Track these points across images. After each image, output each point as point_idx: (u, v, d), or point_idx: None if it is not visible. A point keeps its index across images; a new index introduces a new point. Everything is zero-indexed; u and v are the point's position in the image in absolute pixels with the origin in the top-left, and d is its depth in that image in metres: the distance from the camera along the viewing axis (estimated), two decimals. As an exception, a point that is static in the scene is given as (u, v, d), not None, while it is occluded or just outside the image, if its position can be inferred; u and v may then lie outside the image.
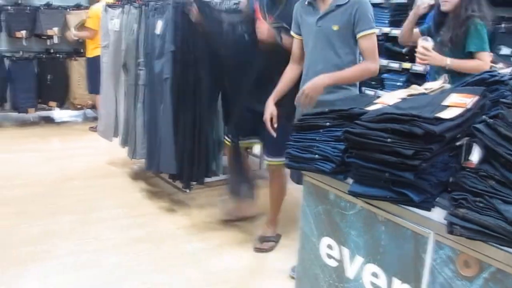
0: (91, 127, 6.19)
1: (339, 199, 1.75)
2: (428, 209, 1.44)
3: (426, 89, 1.98)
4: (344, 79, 2.69)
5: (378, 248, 1.60)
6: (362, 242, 1.67)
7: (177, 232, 3.56)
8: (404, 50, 4.69)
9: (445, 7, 2.86)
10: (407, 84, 4.41)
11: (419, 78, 4.22)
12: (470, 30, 2.80)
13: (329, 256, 1.82)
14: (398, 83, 4.74)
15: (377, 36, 2.79)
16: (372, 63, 2.68)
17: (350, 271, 1.73)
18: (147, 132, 4.06)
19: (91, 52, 5.80)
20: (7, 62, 6.31)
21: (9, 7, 6.34)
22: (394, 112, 1.52)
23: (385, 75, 4.94)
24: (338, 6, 2.64)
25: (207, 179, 4.10)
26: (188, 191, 4.16)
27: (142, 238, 3.42)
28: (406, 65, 4.67)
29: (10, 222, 3.60)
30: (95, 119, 6.29)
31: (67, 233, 3.46)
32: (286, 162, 2.40)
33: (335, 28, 2.65)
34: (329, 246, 1.82)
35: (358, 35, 2.64)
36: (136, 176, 4.71)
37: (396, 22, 4.72)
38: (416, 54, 2.90)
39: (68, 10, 6.57)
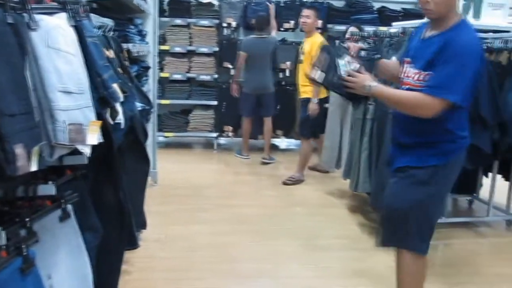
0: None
1: None
2: None
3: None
4: None
5: None
6: None
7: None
8: None
9: None
10: None
11: None
12: None
13: None
14: None
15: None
16: None
17: None
18: (373, 166, 4.08)
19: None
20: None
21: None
22: None
23: None
24: None
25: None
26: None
27: (361, 272, 3.40)
28: None
29: (244, 238, 3.93)
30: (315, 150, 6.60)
31: (290, 256, 3.64)
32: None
33: None
34: None
35: None
36: (355, 209, 4.74)
37: None
38: None
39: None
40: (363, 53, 2.51)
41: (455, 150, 2.43)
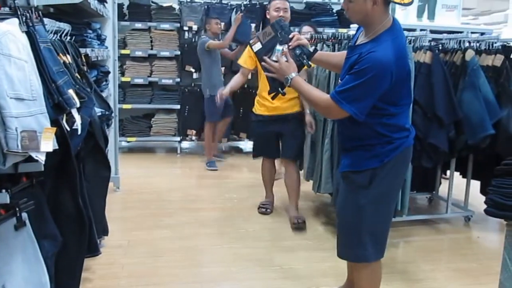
0: None
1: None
2: None
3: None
4: None
5: None
6: None
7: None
8: None
9: None
10: None
11: None
12: None
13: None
14: None
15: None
16: None
17: None
18: (334, 167, 4.12)
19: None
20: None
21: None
22: None
23: None
24: None
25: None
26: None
27: (326, 272, 3.43)
28: None
29: (208, 242, 3.93)
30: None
31: (255, 258, 3.65)
32: (486, 208, 2.25)
33: None
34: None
35: None
36: (318, 210, 4.80)
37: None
38: None
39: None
40: (298, 51, 2.52)
41: (393, 150, 2.41)
